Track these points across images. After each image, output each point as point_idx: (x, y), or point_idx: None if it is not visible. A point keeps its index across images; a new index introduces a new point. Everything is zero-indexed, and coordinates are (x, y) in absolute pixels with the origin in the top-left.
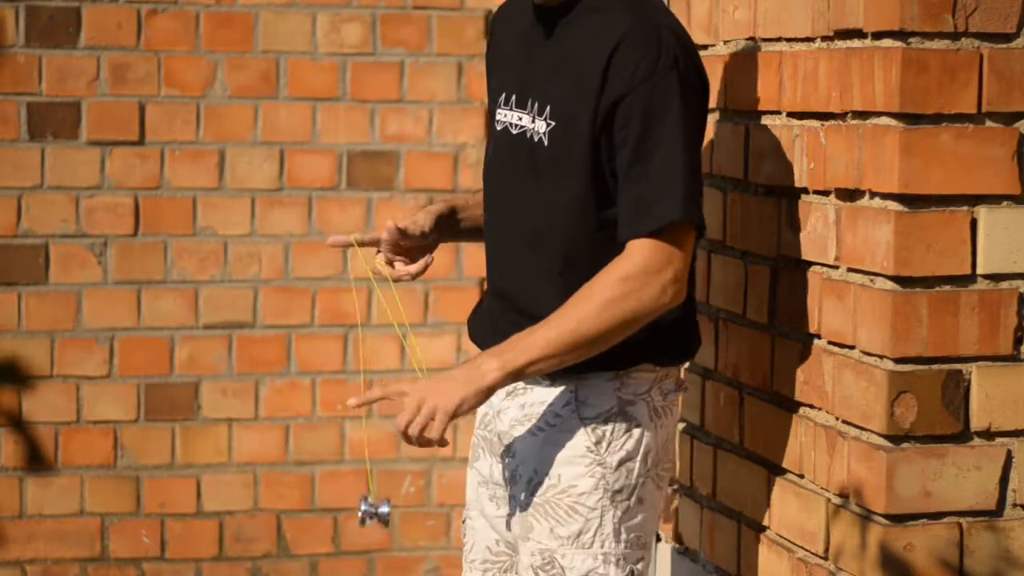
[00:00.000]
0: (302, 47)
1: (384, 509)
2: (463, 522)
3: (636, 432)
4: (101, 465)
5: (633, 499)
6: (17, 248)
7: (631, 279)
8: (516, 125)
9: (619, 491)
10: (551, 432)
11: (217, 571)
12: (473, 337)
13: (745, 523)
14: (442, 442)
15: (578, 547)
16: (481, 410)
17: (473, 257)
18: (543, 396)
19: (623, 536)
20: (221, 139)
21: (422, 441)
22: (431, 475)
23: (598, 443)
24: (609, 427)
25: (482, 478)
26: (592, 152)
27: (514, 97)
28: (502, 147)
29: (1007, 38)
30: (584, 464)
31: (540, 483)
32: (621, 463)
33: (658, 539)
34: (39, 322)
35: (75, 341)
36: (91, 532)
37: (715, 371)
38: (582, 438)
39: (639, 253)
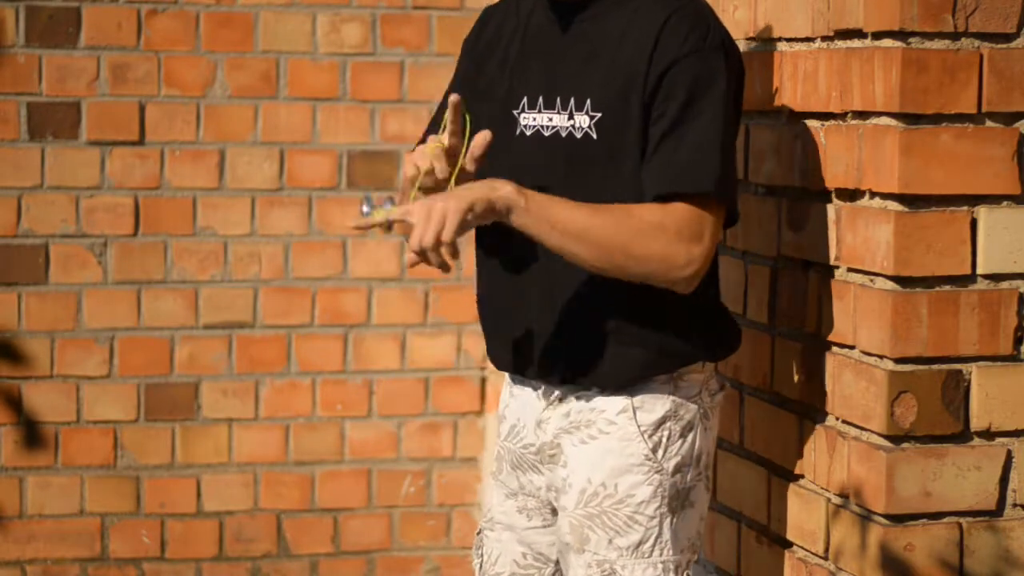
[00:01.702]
0: (302, 47)
1: (387, 205)
2: (478, 534)
3: (690, 436)
4: (101, 465)
5: (687, 504)
6: (17, 248)
7: (666, 232)
8: (548, 127)
9: (675, 496)
10: (605, 440)
11: (217, 571)
12: (514, 367)
13: (745, 523)
14: (454, 252)
15: (638, 557)
16: (509, 422)
17: (472, 258)
18: (593, 404)
19: (680, 542)
20: (221, 139)
21: (436, 255)
22: (431, 475)
23: (655, 449)
24: (665, 432)
25: (509, 491)
26: (644, 133)
27: (540, 99)
28: (531, 152)
29: (1007, 38)
30: (642, 472)
31: (595, 493)
32: (677, 469)
33: None
34: (39, 322)
35: (75, 341)
36: (91, 532)
37: (715, 371)
38: (640, 445)
39: (680, 212)
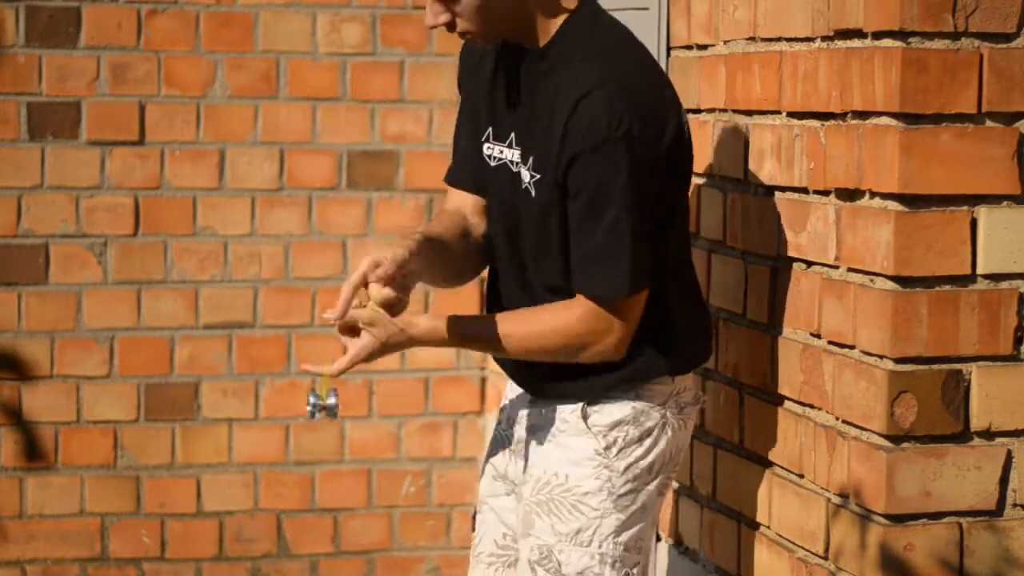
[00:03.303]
0: (302, 47)
1: (332, 400)
2: (473, 516)
3: (647, 442)
4: (101, 465)
5: (636, 505)
6: (17, 248)
7: (576, 336)
8: (514, 163)
9: (623, 495)
10: (561, 436)
11: (217, 571)
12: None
13: (745, 523)
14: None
15: (576, 544)
16: (506, 412)
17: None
18: (556, 405)
19: (622, 539)
20: (221, 139)
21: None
22: (431, 475)
23: (608, 448)
24: (621, 433)
25: (497, 472)
26: (564, 204)
27: (510, 135)
28: (500, 182)
29: (1007, 38)
30: (591, 466)
31: (548, 482)
32: (628, 468)
33: (658, 539)
34: (39, 322)
35: (75, 341)
36: (91, 532)
37: (715, 371)
38: (590, 442)
39: (587, 314)
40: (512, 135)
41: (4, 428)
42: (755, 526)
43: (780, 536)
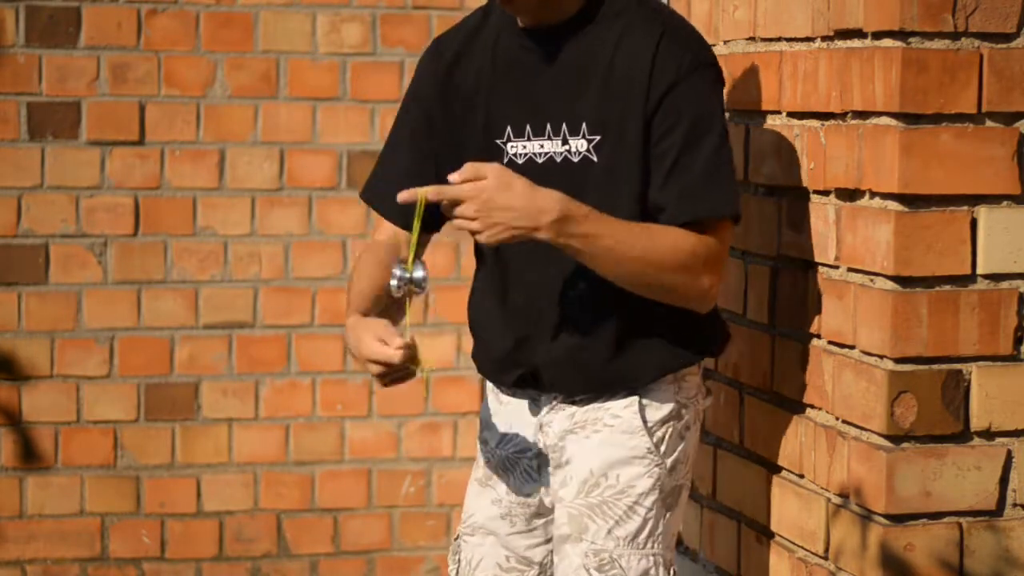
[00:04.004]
0: (302, 47)
1: (420, 273)
2: (455, 539)
3: (687, 435)
4: (101, 465)
5: (678, 502)
6: (17, 248)
7: (697, 258)
8: (540, 154)
9: (669, 494)
10: (609, 433)
11: (217, 571)
12: (513, 383)
13: (745, 523)
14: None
15: (634, 548)
16: (500, 429)
17: (472, 257)
18: (598, 403)
19: (668, 539)
20: (221, 139)
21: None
22: (431, 475)
23: (658, 445)
24: (668, 430)
25: (495, 496)
26: (644, 153)
27: (528, 127)
28: (540, 174)
29: (1007, 38)
30: (643, 465)
31: (596, 483)
32: (675, 465)
33: None
34: (39, 322)
35: (75, 341)
36: (91, 532)
37: (715, 371)
38: (643, 439)
39: (708, 242)
40: (528, 126)
41: (4, 428)
42: (755, 526)
43: (780, 536)
